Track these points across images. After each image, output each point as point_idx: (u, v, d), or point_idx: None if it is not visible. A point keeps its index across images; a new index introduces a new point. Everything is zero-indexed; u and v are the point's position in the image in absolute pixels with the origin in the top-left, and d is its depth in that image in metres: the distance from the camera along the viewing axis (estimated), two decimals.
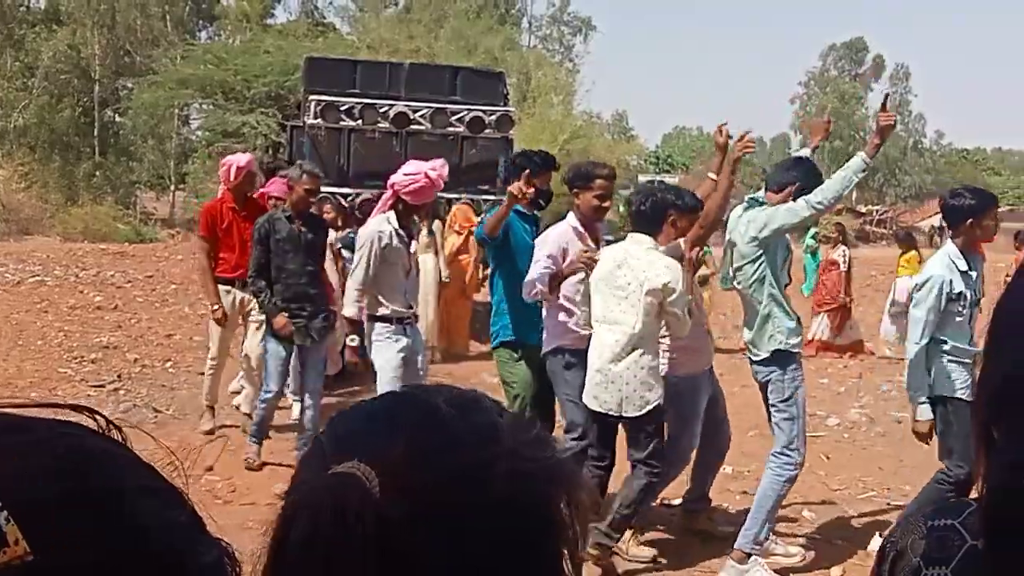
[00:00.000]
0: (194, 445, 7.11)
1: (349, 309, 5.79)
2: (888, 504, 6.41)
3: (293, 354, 6.55)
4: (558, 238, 5.38)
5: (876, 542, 5.36)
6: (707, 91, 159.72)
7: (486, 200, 11.59)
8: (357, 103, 11.48)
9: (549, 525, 0.81)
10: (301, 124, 12.07)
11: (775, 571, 5.15)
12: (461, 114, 11.64)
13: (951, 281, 4.88)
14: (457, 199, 11.13)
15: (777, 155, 78.92)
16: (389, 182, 5.85)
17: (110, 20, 36.95)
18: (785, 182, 5.14)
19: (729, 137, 5.39)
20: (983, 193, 5.14)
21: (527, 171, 5.72)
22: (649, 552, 5.37)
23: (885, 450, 7.85)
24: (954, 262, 4.93)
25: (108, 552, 0.59)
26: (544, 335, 5.50)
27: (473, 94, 12.01)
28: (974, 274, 4.98)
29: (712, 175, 5.58)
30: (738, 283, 5.21)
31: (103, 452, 0.65)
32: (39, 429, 0.64)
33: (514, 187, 5.48)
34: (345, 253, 8.53)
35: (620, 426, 5.20)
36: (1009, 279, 1.14)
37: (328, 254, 7.37)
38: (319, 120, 11.40)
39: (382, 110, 11.49)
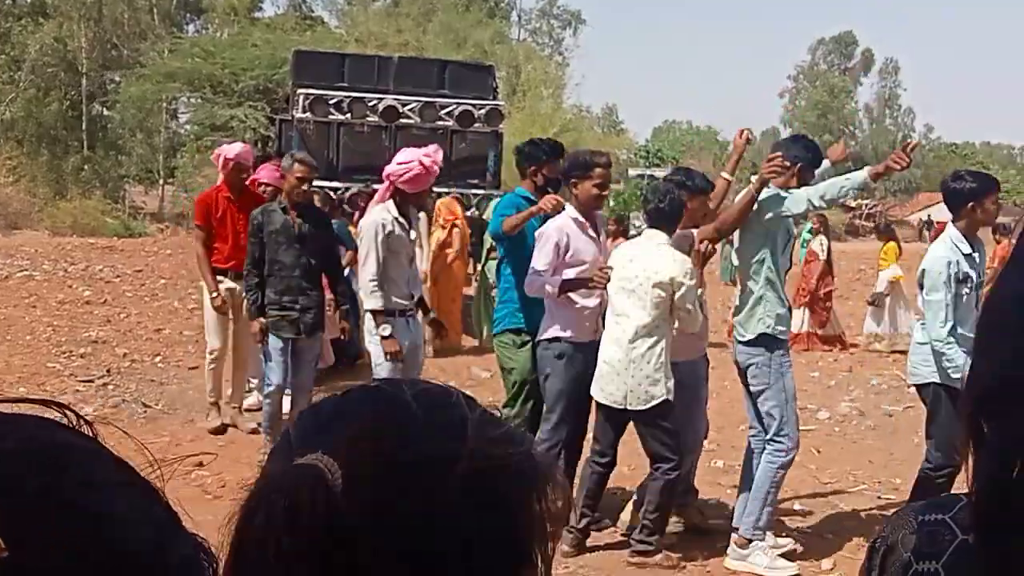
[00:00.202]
0: (185, 439, 7.10)
1: (372, 302, 5.67)
2: (879, 497, 6.43)
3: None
4: (558, 231, 5.35)
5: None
6: (696, 85, 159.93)
7: (475, 194, 11.59)
8: (346, 97, 11.46)
9: (514, 521, 0.80)
10: (290, 118, 12.06)
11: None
12: (450, 108, 11.64)
13: (958, 262, 4.90)
14: (447, 192, 11.11)
15: (766, 149, 79.00)
16: (384, 172, 5.82)
17: (97, 13, 36.70)
18: (788, 162, 5.14)
19: (748, 142, 5.49)
20: (984, 176, 5.18)
21: (534, 165, 5.72)
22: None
23: (876, 443, 7.87)
24: (957, 245, 4.95)
25: (81, 548, 0.58)
26: (546, 322, 5.45)
27: (462, 88, 12.01)
28: (977, 256, 5.01)
29: (726, 175, 5.67)
30: (737, 263, 5.24)
31: (75, 448, 0.65)
32: (10, 424, 0.63)
33: (551, 199, 5.40)
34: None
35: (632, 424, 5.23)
36: (990, 270, 1.14)
37: None
38: (308, 114, 11.39)
39: (371, 104, 11.48)
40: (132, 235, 25.64)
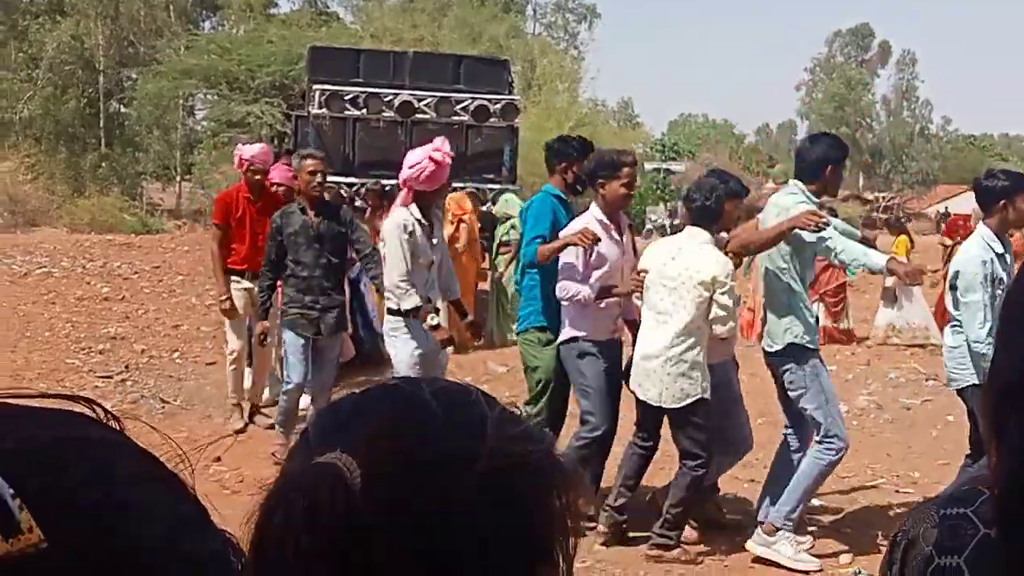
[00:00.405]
0: (203, 435, 7.13)
1: (408, 302, 5.56)
2: (896, 491, 6.40)
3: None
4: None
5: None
6: (712, 78, 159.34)
7: (491, 189, 11.58)
8: (361, 92, 11.46)
9: (531, 518, 0.80)
10: (306, 114, 12.06)
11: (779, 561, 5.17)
12: (466, 103, 11.62)
13: (992, 260, 4.87)
14: (462, 187, 11.10)
15: (783, 142, 78.80)
16: (400, 180, 5.74)
17: (113, 11, 36.86)
18: (817, 167, 5.08)
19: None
20: (1017, 175, 5.12)
21: (564, 162, 5.68)
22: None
23: (893, 437, 7.83)
24: (990, 245, 4.93)
25: (81, 547, 0.58)
26: (563, 324, 5.44)
27: (478, 82, 11.99)
28: (1008, 256, 4.97)
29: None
30: (766, 265, 5.18)
31: (106, 441, 0.65)
32: (43, 417, 0.64)
33: (582, 234, 5.18)
34: None
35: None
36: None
37: None
38: (324, 110, 11.39)
39: (387, 99, 11.48)
40: (150, 232, 25.71)
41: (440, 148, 5.59)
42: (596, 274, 5.28)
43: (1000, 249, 4.93)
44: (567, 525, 0.83)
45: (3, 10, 37.13)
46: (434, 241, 5.79)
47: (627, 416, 5.59)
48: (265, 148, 7.62)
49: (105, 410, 0.67)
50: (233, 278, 7.26)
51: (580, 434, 5.34)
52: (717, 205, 5.05)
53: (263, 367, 7.59)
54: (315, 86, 11.61)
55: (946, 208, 45.79)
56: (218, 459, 6.42)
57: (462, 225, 10.49)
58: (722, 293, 4.93)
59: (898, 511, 5.81)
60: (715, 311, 4.96)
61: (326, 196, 7.08)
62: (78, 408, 0.66)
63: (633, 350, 5.35)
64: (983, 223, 5.04)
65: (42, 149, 33.21)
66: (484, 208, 11.34)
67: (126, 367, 9.41)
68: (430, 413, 0.81)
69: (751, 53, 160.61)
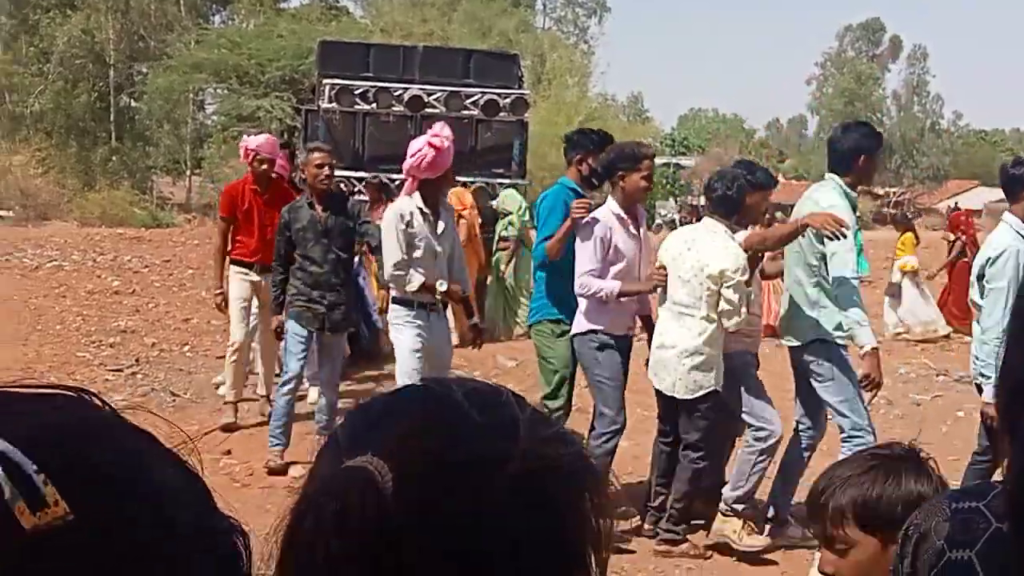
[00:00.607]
0: (213, 428, 7.13)
1: (411, 285, 5.56)
2: None
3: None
4: (601, 227, 5.24)
5: None
6: (722, 72, 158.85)
7: (501, 183, 11.58)
8: (371, 87, 11.48)
9: (563, 522, 0.80)
10: (316, 108, 12.07)
11: (790, 548, 5.23)
12: (475, 97, 11.62)
13: (1021, 251, 4.82)
14: (472, 182, 11.10)
15: (793, 137, 78.57)
16: (403, 170, 5.70)
17: (124, 5, 36.99)
18: (849, 158, 4.99)
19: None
20: None
21: (581, 154, 5.63)
22: (762, 541, 5.23)
23: (904, 432, 7.79)
24: (1019, 232, 4.88)
25: (139, 521, 0.59)
26: (577, 316, 5.39)
27: (487, 77, 11.99)
28: None
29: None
30: (794, 263, 5.14)
31: (124, 425, 0.66)
32: (58, 399, 0.64)
33: (583, 206, 5.23)
34: None
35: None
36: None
37: None
38: (334, 104, 11.41)
39: (396, 93, 11.49)
40: (160, 225, 25.79)
41: (439, 133, 5.49)
42: (614, 269, 5.24)
43: None
44: (599, 529, 0.82)
45: (14, 4, 37.29)
46: (440, 231, 5.71)
47: (633, 412, 5.58)
48: (271, 139, 7.57)
49: (106, 404, 0.68)
50: (241, 270, 7.25)
51: (600, 431, 5.31)
52: (738, 195, 5.00)
53: (270, 359, 7.58)
54: (325, 80, 11.62)
55: (956, 203, 45.62)
56: (228, 452, 6.43)
57: (461, 220, 10.48)
58: (728, 287, 4.89)
59: None
60: (722, 305, 4.94)
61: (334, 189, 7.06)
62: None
63: (650, 346, 5.35)
64: (1009, 211, 4.99)
65: (53, 143, 33.35)
66: (494, 203, 11.32)
67: (136, 360, 9.45)
68: (461, 414, 0.80)
69: (761, 47, 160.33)
